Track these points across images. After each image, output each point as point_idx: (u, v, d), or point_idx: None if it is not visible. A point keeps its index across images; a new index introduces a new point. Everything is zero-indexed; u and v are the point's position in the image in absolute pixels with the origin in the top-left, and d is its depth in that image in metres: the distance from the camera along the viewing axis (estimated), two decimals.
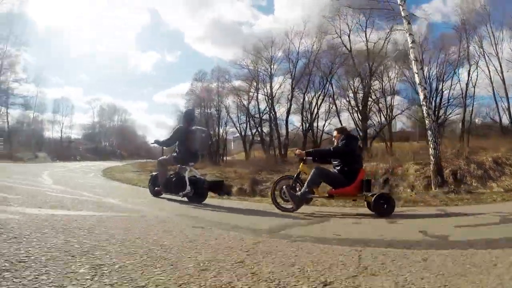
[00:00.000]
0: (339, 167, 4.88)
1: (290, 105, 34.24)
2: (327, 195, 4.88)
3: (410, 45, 10.66)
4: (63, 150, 42.11)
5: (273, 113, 35.29)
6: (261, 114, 36.47)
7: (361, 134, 32.42)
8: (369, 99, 31.03)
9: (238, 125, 39.72)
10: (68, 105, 49.04)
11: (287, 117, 34.44)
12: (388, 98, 31.17)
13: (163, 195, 5.84)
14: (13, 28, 28.16)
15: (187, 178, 5.35)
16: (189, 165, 5.58)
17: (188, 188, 5.28)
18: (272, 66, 35.00)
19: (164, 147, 6.40)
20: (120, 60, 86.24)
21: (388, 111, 31.39)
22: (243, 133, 39.53)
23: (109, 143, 62.25)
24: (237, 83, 37.57)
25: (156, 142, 6.23)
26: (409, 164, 13.45)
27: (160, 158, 6.03)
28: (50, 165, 23.23)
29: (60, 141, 47.61)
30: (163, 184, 5.63)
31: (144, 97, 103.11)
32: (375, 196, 4.56)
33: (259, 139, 37.98)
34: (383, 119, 32.15)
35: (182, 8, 78.99)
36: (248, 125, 38.76)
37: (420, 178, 11.88)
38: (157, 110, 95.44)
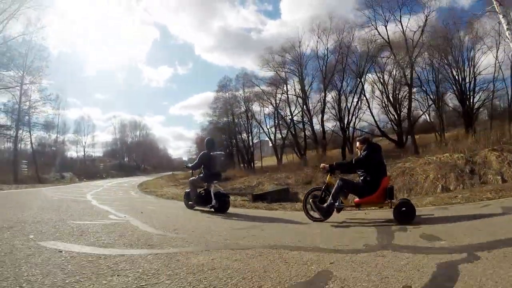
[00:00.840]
0: (362, 177, 5.02)
1: (324, 104, 32.14)
2: (353, 204, 5.08)
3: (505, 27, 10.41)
4: (87, 169, 41.71)
5: (307, 113, 33.17)
6: (292, 116, 34.46)
7: (396, 128, 30.49)
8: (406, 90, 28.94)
9: (266, 129, 38.13)
10: (89, 124, 48.98)
11: (322, 116, 32.23)
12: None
13: (196, 208, 6.98)
14: (29, 54, 27.25)
15: (212, 193, 6.54)
16: (213, 183, 6.72)
17: (214, 201, 6.45)
18: (300, 66, 33.14)
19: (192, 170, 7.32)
20: (134, 77, 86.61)
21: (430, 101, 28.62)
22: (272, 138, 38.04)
23: (132, 158, 62.05)
24: (263, 87, 36.43)
25: (187, 167, 7.69)
26: (485, 151, 12.00)
27: (191, 178, 7.13)
28: (82, 185, 21.75)
29: (83, 160, 47.30)
30: (195, 199, 6.85)
31: (160, 111, 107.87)
32: (396, 204, 4.72)
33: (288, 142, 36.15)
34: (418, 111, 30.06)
35: (189, 20, 79.84)
36: (277, 128, 37.11)
37: (505, 164, 10.66)
38: (173, 122, 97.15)
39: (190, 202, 7.08)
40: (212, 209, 6.51)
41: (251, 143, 39.52)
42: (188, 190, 7.24)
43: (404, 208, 4.54)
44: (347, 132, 31.80)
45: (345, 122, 31.59)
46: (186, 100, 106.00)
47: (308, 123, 33.38)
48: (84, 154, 48.51)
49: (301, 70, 33.25)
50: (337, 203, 4.97)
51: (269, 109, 36.99)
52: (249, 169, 33.96)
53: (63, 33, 71.73)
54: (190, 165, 7.35)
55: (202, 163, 6.82)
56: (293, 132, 35.22)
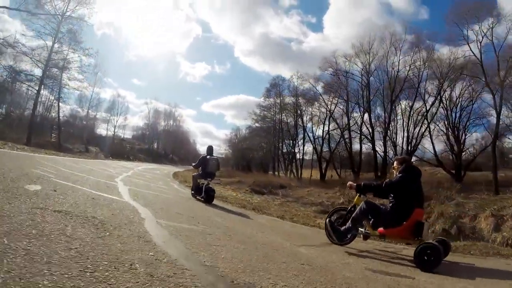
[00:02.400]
0: (391, 204, 4.33)
1: (390, 119, 27.58)
2: (378, 234, 4.38)
3: None
4: (115, 148, 39.34)
5: (369, 128, 28.88)
6: (349, 128, 30.23)
7: (455, 159, 25.62)
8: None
9: (312, 138, 34.44)
10: (122, 105, 47.08)
11: (385, 133, 27.69)
12: None
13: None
14: (72, 29, 26.01)
15: (203, 187, 7.92)
16: (207, 179, 8.08)
17: (203, 194, 7.84)
18: (368, 73, 28.91)
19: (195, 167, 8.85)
20: (171, 68, 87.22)
21: None
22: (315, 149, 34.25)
23: (161, 146, 60.08)
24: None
25: (192, 165, 9.46)
26: None
27: (194, 174, 8.74)
28: (108, 163, 18.85)
29: (112, 138, 45.28)
30: (194, 190, 8.42)
31: (192, 105, 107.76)
32: (418, 246, 3.86)
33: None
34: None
35: (232, 22, 79.98)
36: (325, 140, 33.23)
37: None
38: (204, 118, 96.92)
39: (192, 192, 8.62)
40: (202, 199, 7.87)
41: (297, 150, 35.79)
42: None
43: (428, 251, 3.71)
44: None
45: (412, 146, 27.00)
46: (219, 99, 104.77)
47: (368, 137, 28.98)
48: (114, 133, 46.70)
49: (368, 79, 29.13)
50: (363, 229, 4.47)
51: (320, 117, 33.34)
52: (291, 178, 29.78)
53: (109, 16, 74.80)
54: (193, 164, 8.98)
55: (200, 164, 8.41)
56: (349, 146, 31.04)
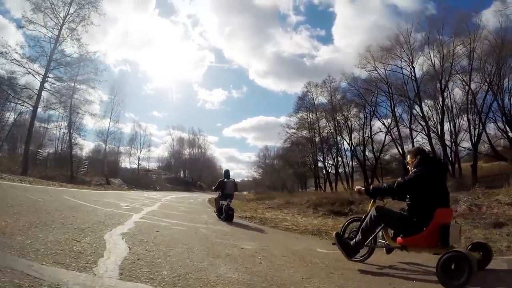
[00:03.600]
0: (408, 206, 3.61)
1: (443, 109, 23.63)
2: (397, 245, 3.63)
3: None
4: (140, 179, 37.54)
5: (421, 122, 24.93)
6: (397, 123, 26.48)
7: None
8: None
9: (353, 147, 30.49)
10: (145, 137, 46.23)
11: (442, 126, 23.52)
12: None
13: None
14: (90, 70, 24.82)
15: (224, 208, 8.46)
16: (226, 200, 8.53)
17: (224, 214, 8.40)
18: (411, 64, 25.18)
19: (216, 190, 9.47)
20: (190, 97, 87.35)
21: None
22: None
23: (188, 173, 59.16)
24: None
25: (212, 188, 10.06)
26: None
27: (216, 197, 9.46)
28: (125, 194, 15.25)
29: (136, 170, 43.53)
30: (217, 211, 8.92)
31: (214, 132, 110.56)
32: (442, 255, 3.06)
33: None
34: None
35: (242, 45, 79.12)
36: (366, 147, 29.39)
37: None
38: (226, 144, 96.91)
39: (215, 213, 9.09)
40: (223, 219, 8.29)
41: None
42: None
43: (454, 263, 2.94)
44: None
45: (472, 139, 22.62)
46: (240, 123, 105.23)
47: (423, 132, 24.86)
48: (138, 165, 44.80)
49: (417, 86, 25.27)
50: (384, 240, 3.81)
51: (360, 122, 29.84)
52: (341, 192, 25.98)
53: (124, 53, 77.88)
54: (213, 187, 9.73)
55: (219, 187, 9.01)
56: (399, 144, 27.03)
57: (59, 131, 33.01)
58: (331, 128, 30.58)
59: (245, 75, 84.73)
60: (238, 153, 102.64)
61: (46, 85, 21.54)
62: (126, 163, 44.39)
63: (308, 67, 63.35)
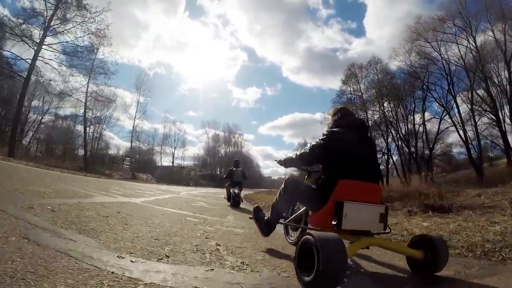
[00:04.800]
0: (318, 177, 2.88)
1: None
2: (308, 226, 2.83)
3: None
4: (173, 175, 38.42)
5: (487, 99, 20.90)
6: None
7: None
8: None
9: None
10: (180, 135, 48.34)
11: None
12: None
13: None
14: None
15: (232, 195, 8.96)
16: (235, 188, 9.18)
17: (231, 200, 8.90)
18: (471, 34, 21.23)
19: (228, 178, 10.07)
20: (224, 97, 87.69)
21: None
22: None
23: (223, 171, 57.74)
24: None
25: (223, 176, 11.45)
26: None
27: (226, 184, 9.93)
28: (148, 187, 14.14)
29: (171, 167, 44.64)
30: (227, 198, 9.46)
31: (250, 130, 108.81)
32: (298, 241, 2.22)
33: None
34: None
35: (274, 42, 79.32)
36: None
37: None
38: (262, 142, 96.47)
39: (226, 198, 9.78)
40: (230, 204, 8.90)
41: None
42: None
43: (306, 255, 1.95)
44: None
45: None
46: (275, 120, 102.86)
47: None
48: (172, 162, 46.11)
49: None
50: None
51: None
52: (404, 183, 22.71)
53: (157, 56, 79.32)
54: (224, 176, 10.62)
55: (228, 175, 9.84)
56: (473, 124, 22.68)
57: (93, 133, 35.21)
58: (380, 113, 26.95)
59: (278, 72, 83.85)
60: (274, 150, 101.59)
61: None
62: (164, 161, 46.01)
63: (342, 61, 62.30)
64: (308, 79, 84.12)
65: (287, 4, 72.70)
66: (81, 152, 31.36)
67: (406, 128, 26.18)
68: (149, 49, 63.62)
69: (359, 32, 73.34)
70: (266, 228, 3.12)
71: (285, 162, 3.25)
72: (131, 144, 35.52)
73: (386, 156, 27.22)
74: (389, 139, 27.10)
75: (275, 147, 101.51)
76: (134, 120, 35.08)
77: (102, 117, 33.55)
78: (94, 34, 23.37)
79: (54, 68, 22.24)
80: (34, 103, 29.45)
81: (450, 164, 26.88)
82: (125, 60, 70.09)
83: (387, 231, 2.57)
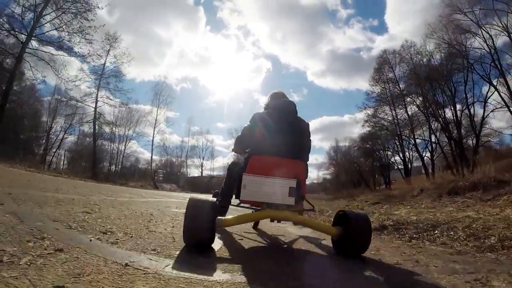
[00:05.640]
0: None
1: None
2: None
3: None
4: (198, 184, 37.45)
5: None
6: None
7: None
8: None
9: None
10: (209, 147, 46.83)
11: None
12: None
13: None
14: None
15: None
16: None
17: None
18: None
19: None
20: (251, 106, 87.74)
21: None
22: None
23: None
24: None
25: None
26: None
27: None
28: (163, 193, 14.04)
29: (199, 177, 44.21)
30: None
31: None
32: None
33: None
34: None
35: (297, 48, 75.74)
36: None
37: None
38: None
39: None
40: None
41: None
42: None
43: None
44: None
45: None
46: None
47: None
48: (202, 172, 45.81)
49: None
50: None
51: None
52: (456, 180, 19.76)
53: (183, 72, 79.10)
54: None
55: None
56: None
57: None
58: (419, 101, 24.13)
59: (303, 77, 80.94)
60: None
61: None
62: (194, 172, 46.36)
63: (366, 60, 59.14)
64: (334, 81, 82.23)
65: (306, 9, 72.02)
66: (105, 165, 32.32)
67: (450, 114, 22.95)
68: (174, 65, 64.55)
69: (381, 29, 68.86)
70: (220, 211, 2.81)
71: (235, 149, 3.32)
72: (151, 156, 35.91)
73: (430, 147, 24.32)
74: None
75: None
76: (154, 131, 35.40)
77: (128, 132, 34.41)
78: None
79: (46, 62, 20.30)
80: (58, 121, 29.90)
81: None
82: (152, 78, 72.42)
83: (309, 208, 3.18)
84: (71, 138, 31.75)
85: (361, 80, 71.11)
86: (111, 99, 26.91)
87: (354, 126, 72.04)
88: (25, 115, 27.15)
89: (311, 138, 3.19)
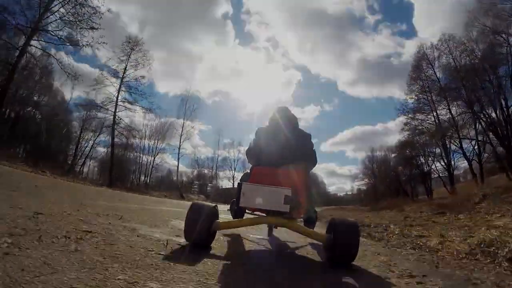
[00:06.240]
0: None
1: None
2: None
3: None
4: (225, 194, 38.07)
5: None
6: None
7: None
8: None
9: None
10: (238, 158, 47.21)
11: None
12: None
13: None
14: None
15: None
16: None
17: None
18: None
19: None
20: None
21: None
22: None
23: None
24: None
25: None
26: None
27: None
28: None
29: (232, 188, 44.10)
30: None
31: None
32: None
33: None
34: None
35: (326, 57, 79.45)
36: None
37: None
38: (325, 159, 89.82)
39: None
40: None
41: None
42: None
43: None
44: None
45: None
46: (336, 136, 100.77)
47: None
48: (233, 183, 45.49)
49: None
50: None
51: None
52: None
53: (214, 85, 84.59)
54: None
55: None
56: None
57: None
58: (463, 100, 21.44)
59: (334, 86, 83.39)
60: (337, 167, 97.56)
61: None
62: (227, 184, 47.15)
63: (397, 66, 60.12)
64: (365, 90, 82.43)
65: (333, 18, 72.02)
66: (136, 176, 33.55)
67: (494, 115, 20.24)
68: (206, 79, 66.70)
69: (410, 33, 68.12)
70: (236, 216, 3.51)
71: (248, 161, 3.62)
72: (178, 165, 36.79)
73: (478, 149, 21.66)
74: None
75: (338, 163, 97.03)
76: (180, 140, 36.53)
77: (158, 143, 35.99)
78: None
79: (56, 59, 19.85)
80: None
81: None
82: (184, 92, 74.97)
83: (301, 215, 3.32)
84: (102, 149, 32.37)
85: (392, 87, 69.16)
86: (130, 103, 26.77)
87: (387, 135, 69.71)
88: (57, 127, 27.72)
89: (314, 149, 3.40)
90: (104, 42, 20.11)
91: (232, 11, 79.70)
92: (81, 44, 19.63)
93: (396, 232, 5.15)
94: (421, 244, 3.77)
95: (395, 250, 3.68)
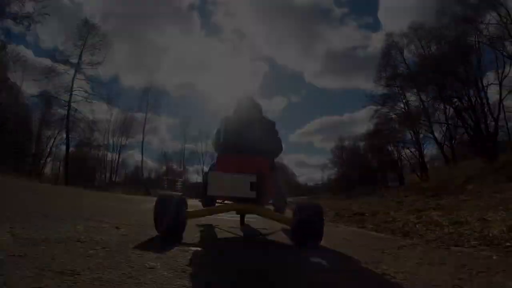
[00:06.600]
0: None
1: None
2: None
3: None
4: (195, 190, 35.73)
5: None
6: None
7: None
8: None
9: None
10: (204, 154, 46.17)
11: None
12: None
13: None
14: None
15: None
16: None
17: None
18: None
19: None
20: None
21: None
22: None
23: None
24: None
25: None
26: None
27: None
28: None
29: (200, 183, 42.54)
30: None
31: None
32: None
33: None
34: None
35: (293, 49, 74.88)
36: None
37: None
38: (293, 150, 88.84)
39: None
40: None
41: None
42: None
43: None
44: None
45: None
46: (304, 127, 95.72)
47: None
48: (202, 180, 43.81)
49: None
50: None
51: None
52: None
53: (181, 78, 77.25)
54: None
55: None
56: None
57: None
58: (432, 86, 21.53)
59: (301, 78, 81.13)
60: (306, 158, 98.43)
61: None
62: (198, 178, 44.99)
63: (362, 58, 58.37)
64: (332, 81, 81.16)
65: (299, 10, 71.31)
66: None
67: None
68: (171, 72, 63.63)
69: (376, 26, 67.49)
70: (206, 206, 3.25)
71: (215, 150, 3.65)
72: (142, 160, 36.53)
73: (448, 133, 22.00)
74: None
75: (307, 154, 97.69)
76: (143, 138, 35.28)
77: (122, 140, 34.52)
78: None
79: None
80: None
81: None
82: (148, 84, 72.22)
83: (269, 201, 3.33)
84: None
85: (358, 79, 71.13)
86: (87, 92, 24.96)
87: (355, 124, 71.06)
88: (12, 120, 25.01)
89: (279, 136, 3.42)
90: (46, 14, 18.15)
91: (199, 2, 77.30)
92: (19, 15, 17.52)
93: (416, 221, 4.13)
94: (485, 235, 2.90)
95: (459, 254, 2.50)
